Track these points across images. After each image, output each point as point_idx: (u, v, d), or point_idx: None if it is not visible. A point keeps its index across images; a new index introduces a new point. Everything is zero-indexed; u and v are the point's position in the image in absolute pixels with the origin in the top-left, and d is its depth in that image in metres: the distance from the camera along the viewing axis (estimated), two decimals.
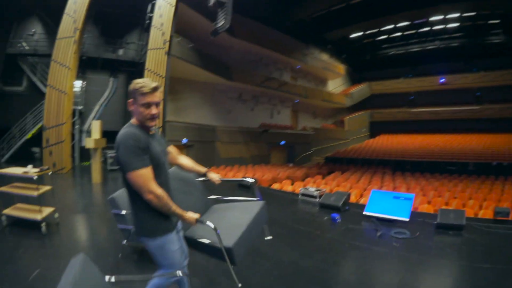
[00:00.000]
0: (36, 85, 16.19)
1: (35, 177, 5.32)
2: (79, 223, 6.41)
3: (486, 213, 7.07)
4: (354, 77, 37.37)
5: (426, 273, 3.82)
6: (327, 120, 34.48)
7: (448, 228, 5.15)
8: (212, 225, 2.22)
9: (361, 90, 35.48)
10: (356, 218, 6.06)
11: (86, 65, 17.08)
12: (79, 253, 1.92)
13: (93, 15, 16.71)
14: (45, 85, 13.66)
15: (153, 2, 15.00)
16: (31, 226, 5.25)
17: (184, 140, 17.25)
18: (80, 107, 16.48)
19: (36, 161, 13.93)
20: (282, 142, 24.76)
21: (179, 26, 16.01)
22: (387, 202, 6.05)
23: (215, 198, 3.36)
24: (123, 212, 3.97)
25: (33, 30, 17.14)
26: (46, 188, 5.68)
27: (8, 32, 15.47)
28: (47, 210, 5.53)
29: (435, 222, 5.29)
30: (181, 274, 2.23)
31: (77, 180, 11.97)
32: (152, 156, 2.10)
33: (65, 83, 12.89)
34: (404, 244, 4.66)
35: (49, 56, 13.58)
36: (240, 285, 2.43)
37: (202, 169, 2.86)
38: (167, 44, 14.41)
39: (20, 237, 4.97)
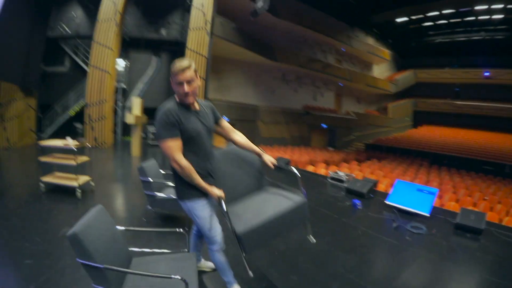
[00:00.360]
0: (78, 65, 17.10)
1: (75, 148, 5.66)
2: (112, 191, 6.81)
3: (511, 221, 6.62)
4: (399, 64, 35.70)
5: (425, 273, 3.66)
6: (371, 106, 33.31)
7: (466, 230, 4.84)
8: (224, 208, 2.25)
9: (406, 77, 33.90)
10: (378, 206, 5.93)
11: (130, 45, 17.74)
12: (98, 204, 2.31)
13: None
14: (88, 65, 14.32)
15: None
16: (67, 192, 5.63)
17: (226, 119, 17.20)
18: (123, 85, 17.09)
19: (78, 136, 14.64)
20: (324, 125, 24.43)
21: (222, 7, 16.06)
22: (410, 194, 5.84)
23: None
24: (149, 179, 4.11)
25: (73, 14, 17.79)
26: (84, 158, 6.08)
27: (47, 16, 16.07)
28: (84, 178, 5.91)
29: (455, 222, 5.01)
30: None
31: (117, 153, 12.65)
32: (184, 129, 2.28)
33: (107, 63, 13.49)
34: (417, 240, 4.49)
35: (90, 37, 14.20)
36: (252, 274, 2.34)
37: (256, 149, 2.86)
38: (209, 24, 14.53)
39: (56, 202, 5.34)
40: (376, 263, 3.99)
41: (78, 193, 5.61)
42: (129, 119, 11.11)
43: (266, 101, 21.54)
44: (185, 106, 2.36)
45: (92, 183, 6.19)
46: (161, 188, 4.57)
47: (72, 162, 5.66)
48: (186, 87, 2.24)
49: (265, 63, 20.71)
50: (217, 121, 2.79)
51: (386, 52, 32.82)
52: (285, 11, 20.14)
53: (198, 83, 2.35)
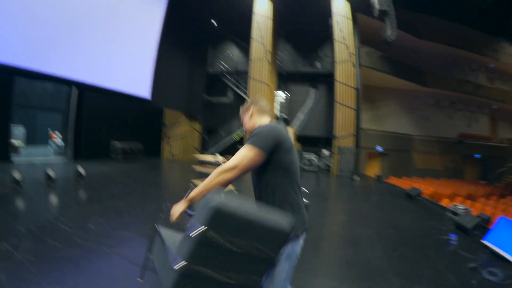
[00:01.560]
0: (241, 96, 19.96)
1: (221, 162, 7.33)
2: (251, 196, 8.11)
3: None
4: None
5: None
6: None
7: None
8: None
9: None
10: (475, 244, 5.33)
11: (288, 79, 19.89)
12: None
13: (284, 34, 19.43)
14: (248, 96, 16.61)
15: (331, 17, 16.23)
16: None
17: (379, 149, 17.49)
18: (284, 115, 19.30)
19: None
20: (477, 155, 21.79)
21: (365, 37, 16.57)
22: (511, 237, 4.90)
23: None
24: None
25: (229, 53, 21.24)
26: None
27: (205, 55, 19.69)
28: (228, 187, 7.44)
29: None
30: None
31: None
32: (284, 157, 1.89)
33: (263, 95, 15.60)
34: (483, 286, 3.85)
35: (246, 73, 16.76)
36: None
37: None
38: (353, 56, 15.38)
39: None
40: None
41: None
42: None
43: (420, 129, 20.19)
44: None
45: (236, 192, 7.80)
46: None
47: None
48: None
49: (417, 90, 19.77)
50: None
51: None
52: (425, 30, 18.88)
53: (246, 117, 2.18)
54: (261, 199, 1.94)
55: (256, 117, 2.14)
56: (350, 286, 3.34)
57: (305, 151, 17.80)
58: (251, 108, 2.16)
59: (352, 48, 15.45)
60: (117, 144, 14.35)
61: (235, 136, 18.48)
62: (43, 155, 13.21)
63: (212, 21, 19.51)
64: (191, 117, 17.81)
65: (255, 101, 2.18)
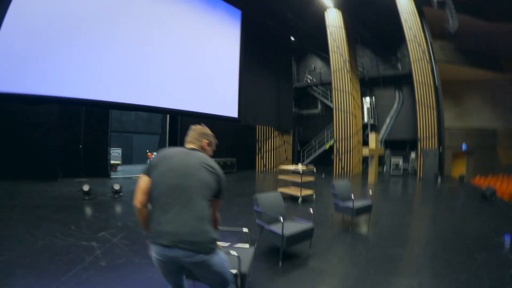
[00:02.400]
0: (329, 107, 20.64)
1: (301, 171, 8.49)
2: (327, 202, 8.66)
3: None
4: None
5: None
6: None
7: None
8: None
9: None
10: None
11: (371, 84, 20.09)
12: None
13: (360, 40, 19.71)
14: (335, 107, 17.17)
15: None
16: (295, 199, 8.47)
17: (464, 147, 16.74)
18: (371, 121, 19.57)
19: (330, 165, 17.97)
20: None
21: (437, 30, 15.76)
22: None
23: None
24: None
25: (313, 66, 22.07)
26: (309, 178, 8.75)
27: (289, 70, 20.52)
28: (307, 192, 8.58)
29: None
30: None
31: (356, 180, 14.53)
32: None
33: (347, 104, 16.17)
34: None
35: (331, 83, 17.15)
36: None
37: None
38: (427, 53, 15.05)
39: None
40: None
41: (299, 200, 8.27)
42: (365, 151, 13.06)
43: (505, 122, 18.03)
44: None
45: (314, 196, 8.75)
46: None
47: (298, 180, 8.47)
48: None
49: (497, 78, 17.80)
50: None
51: None
52: (493, 12, 17.31)
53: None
54: None
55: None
56: (380, 278, 3.76)
57: (393, 155, 17.80)
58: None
59: (424, 45, 15.11)
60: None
61: (326, 146, 19.23)
62: (140, 172, 15.62)
63: (291, 37, 20.37)
64: (283, 130, 19.06)
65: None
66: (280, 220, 4.02)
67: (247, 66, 15.41)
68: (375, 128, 19.73)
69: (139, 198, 2.19)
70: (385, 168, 18.70)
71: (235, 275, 2.62)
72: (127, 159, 20.04)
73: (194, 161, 2.25)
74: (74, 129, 12.61)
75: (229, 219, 6.40)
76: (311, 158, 20.32)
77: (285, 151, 19.54)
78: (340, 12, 16.82)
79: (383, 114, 19.99)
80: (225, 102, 14.37)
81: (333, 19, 16.87)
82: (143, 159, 19.97)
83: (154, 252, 2.10)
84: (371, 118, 19.75)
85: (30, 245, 4.66)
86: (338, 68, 16.52)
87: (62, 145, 12.31)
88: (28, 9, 8.51)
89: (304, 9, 17.03)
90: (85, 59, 9.37)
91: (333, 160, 16.83)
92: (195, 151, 2.36)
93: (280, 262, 4.07)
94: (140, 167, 17.91)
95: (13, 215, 6.53)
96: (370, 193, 8.27)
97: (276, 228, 4.13)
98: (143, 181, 2.23)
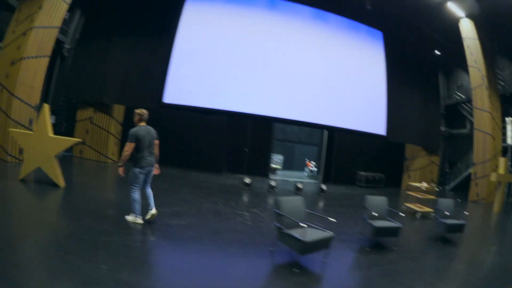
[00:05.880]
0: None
1: (425, 189, 10.00)
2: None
3: None
4: None
5: None
6: None
7: None
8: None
9: None
10: None
11: None
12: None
13: (499, 51, 17.44)
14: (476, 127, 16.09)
15: None
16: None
17: None
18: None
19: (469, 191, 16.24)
20: None
21: None
22: None
23: None
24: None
25: (460, 81, 20.62)
26: (430, 196, 9.99)
27: (436, 87, 19.95)
28: (427, 209, 9.58)
29: None
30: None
31: (486, 207, 13.50)
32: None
33: (487, 125, 15.23)
34: None
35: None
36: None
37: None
38: None
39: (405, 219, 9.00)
40: None
41: (417, 215, 9.37)
42: (492, 177, 12.47)
43: None
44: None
45: (433, 214, 8.96)
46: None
47: (421, 196, 9.83)
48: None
49: None
50: None
51: None
52: None
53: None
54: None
55: (137, 123, 5.43)
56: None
57: None
58: (136, 117, 5.44)
59: None
60: (362, 173, 17.51)
61: (471, 170, 17.00)
62: (297, 177, 18.53)
63: (436, 51, 19.69)
64: (431, 150, 19.13)
65: (138, 113, 5.44)
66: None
67: (393, 84, 16.47)
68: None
69: (129, 151, 5.19)
70: None
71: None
72: (288, 165, 23.47)
73: (149, 130, 5.46)
74: (241, 135, 16.74)
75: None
76: (456, 181, 19.51)
77: (431, 172, 19.48)
78: (472, 21, 15.66)
79: None
80: (373, 120, 16.27)
81: (468, 31, 15.74)
82: (302, 166, 23.29)
83: (140, 170, 5.30)
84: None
85: (197, 206, 7.52)
86: (477, 84, 15.66)
87: (229, 147, 16.35)
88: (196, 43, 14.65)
89: (439, 21, 16.44)
90: (259, 84, 14.61)
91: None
92: (146, 126, 5.46)
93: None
94: (299, 173, 22.01)
95: (183, 188, 9.97)
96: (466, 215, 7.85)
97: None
98: (131, 146, 5.18)
